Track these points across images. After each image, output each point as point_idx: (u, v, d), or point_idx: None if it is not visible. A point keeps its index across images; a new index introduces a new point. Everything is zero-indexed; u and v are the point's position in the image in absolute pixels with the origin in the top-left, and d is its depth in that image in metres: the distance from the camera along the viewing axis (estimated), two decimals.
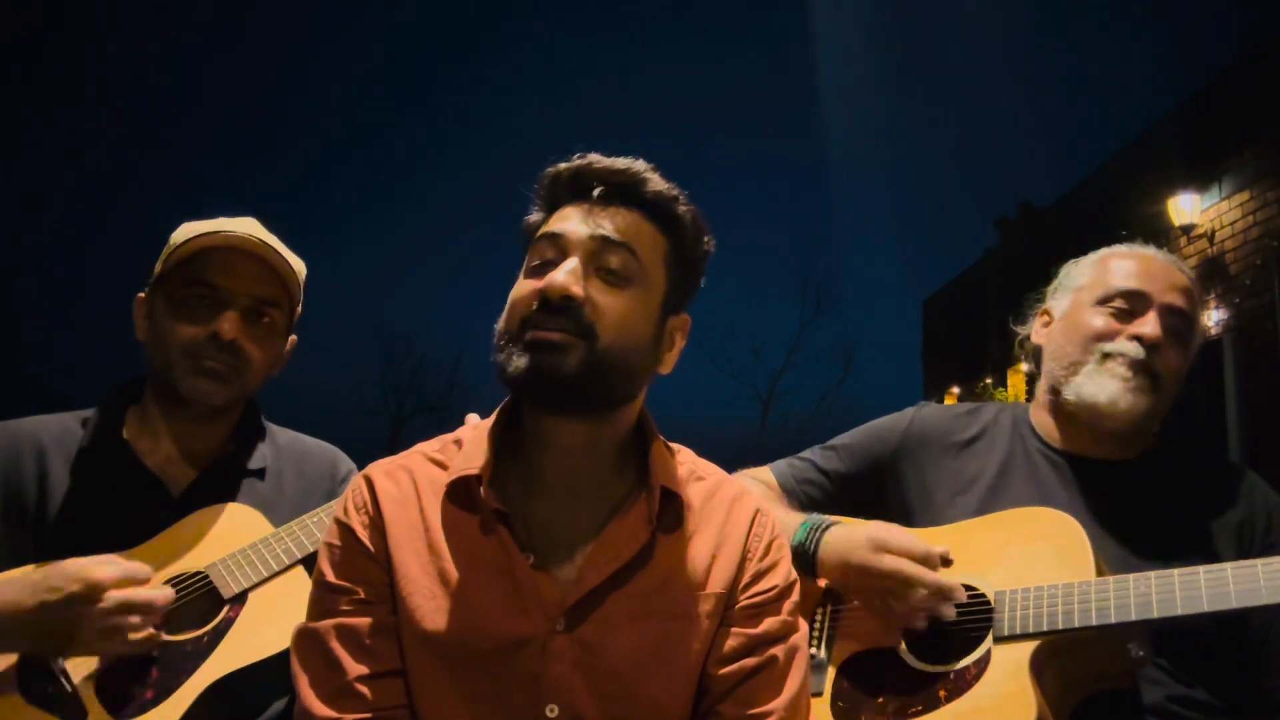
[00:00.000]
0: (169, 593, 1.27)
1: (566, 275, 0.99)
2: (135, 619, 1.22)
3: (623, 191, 1.06)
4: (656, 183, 1.06)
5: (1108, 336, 1.44)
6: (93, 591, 1.19)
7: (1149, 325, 1.42)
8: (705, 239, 1.11)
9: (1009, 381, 12.50)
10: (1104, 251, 1.55)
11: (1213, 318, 7.75)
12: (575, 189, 1.07)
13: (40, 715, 1.21)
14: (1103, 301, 1.47)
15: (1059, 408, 1.49)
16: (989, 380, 13.38)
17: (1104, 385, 1.41)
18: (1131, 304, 1.45)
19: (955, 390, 15.39)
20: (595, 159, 1.06)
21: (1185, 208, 8.19)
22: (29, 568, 1.28)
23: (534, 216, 1.10)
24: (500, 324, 1.03)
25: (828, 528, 1.37)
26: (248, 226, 1.45)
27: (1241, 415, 7.68)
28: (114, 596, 1.21)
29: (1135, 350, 1.41)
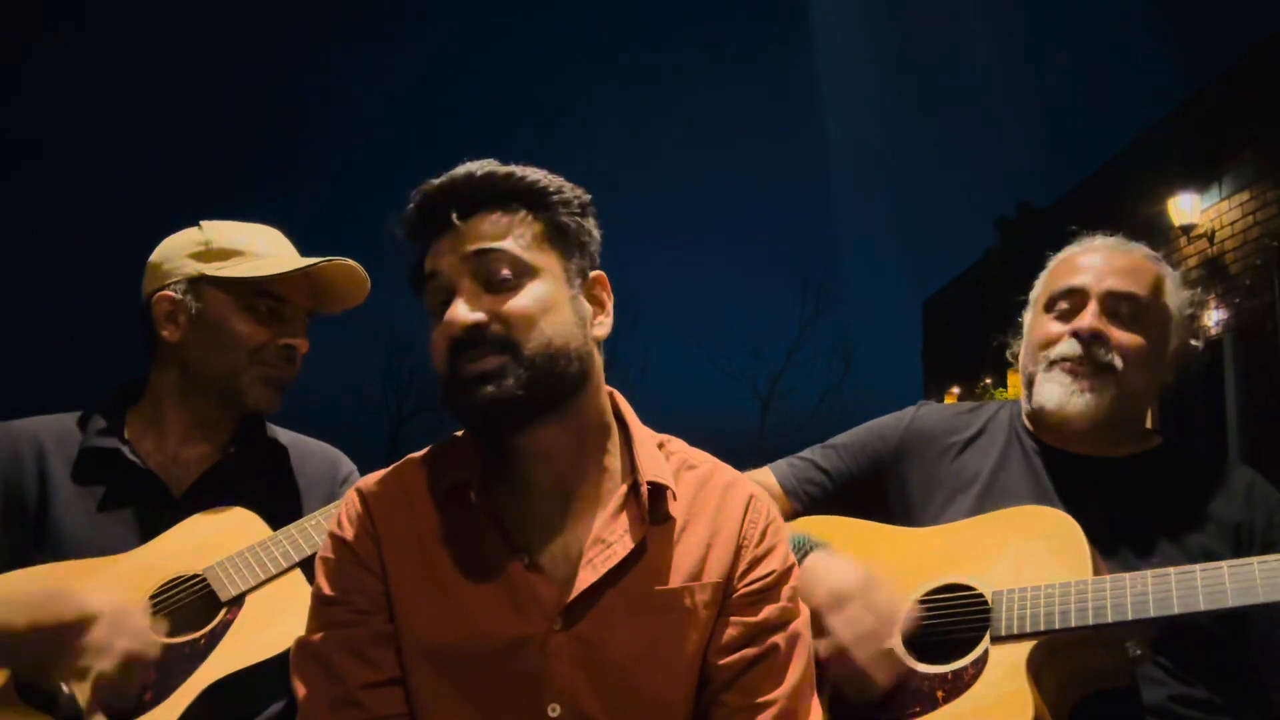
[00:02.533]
0: (155, 648, 1.23)
1: (458, 308, 0.99)
2: (113, 668, 1.18)
3: (469, 200, 1.03)
4: (493, 173, 1.04)
5: (1052, 341, 1.44)
6: (83, 623, 1.17)
7: (1085, 318, 1.41)
8: (572, 193, 1.08)
9: (1009, 381, 12.49)
10: (1058, 256, 1.55)
11: (1213, 318, 7.74)
12: (432, 223, 1.04)
13: (37, 716, 1.21)
14: (1048, 308, 1.48)
15: (1035, 414, 1.50)
16: (989, 380, 13.37)
17: (1050, 393, 1.42)
18: (1072, 302, 1.45)
19: (955, 390, 15.38)
20: (430, 185, 1.04)
21: (1185, 208, 8.18)
22: (28, 575, 1.28)
23: (412, 263, 1.08)
24: (437, 374, 1.04)
25: (807, 553, 1.35)
26: (281, 242, 1.51)
27: (1241, 415, 7.67)
28: (99, 640, 1.17)
29: (1071, 348, 1.41)
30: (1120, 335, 1.41)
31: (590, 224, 1.09)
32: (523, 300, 1.01)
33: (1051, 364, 1.43)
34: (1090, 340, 1.40)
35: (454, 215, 1.02)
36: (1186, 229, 8.18)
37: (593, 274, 1.09)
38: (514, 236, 1.03)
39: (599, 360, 1.08)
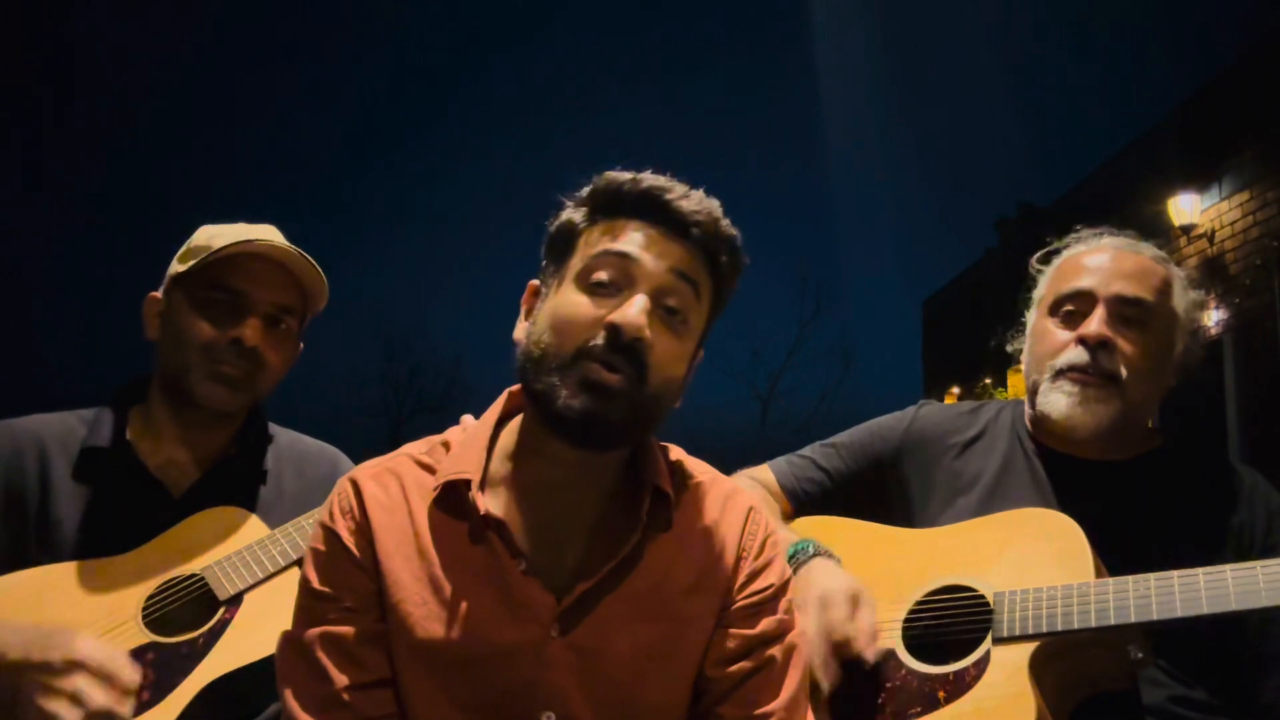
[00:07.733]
0: (129, 705, 1.17)
1: (642, 314, 0.96)
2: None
3: (695, 228, 1.02)
4: (727, 227, 1.05)
5: (1058, 349, 1.41)
6: (69, 667, 1.13)
7: (1091, 324, 1.38)
8: (741, 275, 1.09)
9: (1009, 381, 12.49)
10: (1063, 255, 1.52)
11: (1213, 318, 7.74)
12: (640, 208, 1.02)
13: None
14: (1053, 311, 1.45)
15: (1039, 421, 1.47)
16: (989, 380, 13.38)
17: (1056, 403, 1.39)
18: (1078, 305, 1.42)
19: (955, 390, 15.40)
20: (671, 187, 1.02)
21: (1185, 208, 8.19)
22: (24, 578, 1.27)
23: (577, 216, 1.05)
24: (546, 339, 0.99)
25: (810, 559, 1.34)
26: (269, 234, 1.45)
27: (1241, 415, 7.68)
28: (78, 685, 1.12)
29: (1079, 356, 1.38)
30: (1126, 344, 1.38)
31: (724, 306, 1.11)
32: (674, 346, 1.01)
33: (1058, 373, 1.40)
34: (1097, 348, 1.37)
35: (676, 225, 1.02)
36: (1186, 229, 8.18)
37: (700, 351, 1.10)
38: (700, 284, 1.04)
39: None
